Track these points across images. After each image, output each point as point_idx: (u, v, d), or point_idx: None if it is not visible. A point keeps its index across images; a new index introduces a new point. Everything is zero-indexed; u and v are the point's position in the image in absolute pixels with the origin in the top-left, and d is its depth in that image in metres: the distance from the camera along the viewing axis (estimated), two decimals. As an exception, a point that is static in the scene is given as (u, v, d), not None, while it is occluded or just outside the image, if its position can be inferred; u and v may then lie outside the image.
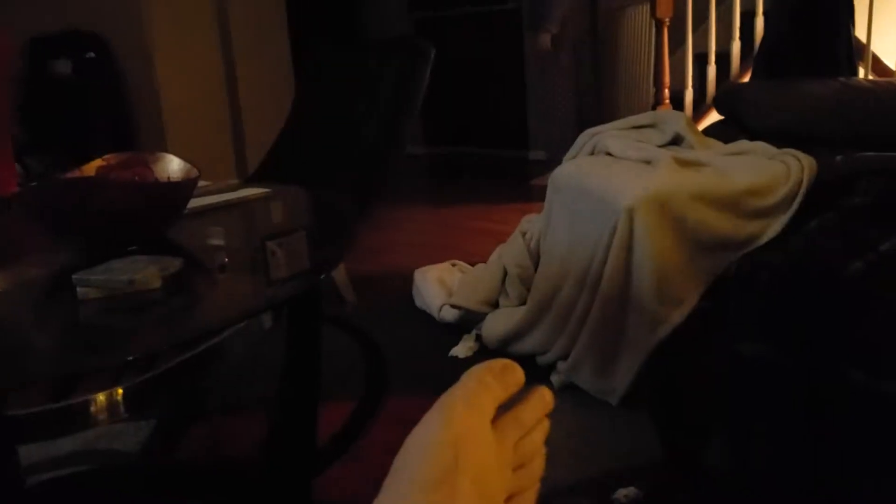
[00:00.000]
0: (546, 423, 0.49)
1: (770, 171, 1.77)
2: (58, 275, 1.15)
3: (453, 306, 2.32)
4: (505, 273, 2.33)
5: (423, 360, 2.13)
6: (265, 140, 3.18)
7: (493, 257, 2.50)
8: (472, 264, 2.69)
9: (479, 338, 2.19)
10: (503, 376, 0.46)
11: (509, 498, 0.45)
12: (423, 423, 0.43)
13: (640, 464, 1.49)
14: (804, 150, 1.82)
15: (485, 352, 2.09)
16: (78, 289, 0.96)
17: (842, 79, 2.45)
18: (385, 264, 3.13)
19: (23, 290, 1.11)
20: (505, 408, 0.45)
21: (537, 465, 0.48)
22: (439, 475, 0.39)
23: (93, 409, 0.94)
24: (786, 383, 1.17)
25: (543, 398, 0.48)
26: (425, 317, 2.43)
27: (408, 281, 2.66)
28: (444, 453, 0.40)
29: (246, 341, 1.16)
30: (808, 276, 1.21)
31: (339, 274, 2.65)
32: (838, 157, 1.75)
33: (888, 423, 1.07)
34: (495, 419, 0.44)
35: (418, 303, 2.53)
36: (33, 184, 1.12)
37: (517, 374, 0.47)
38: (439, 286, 2.50)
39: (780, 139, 1.95)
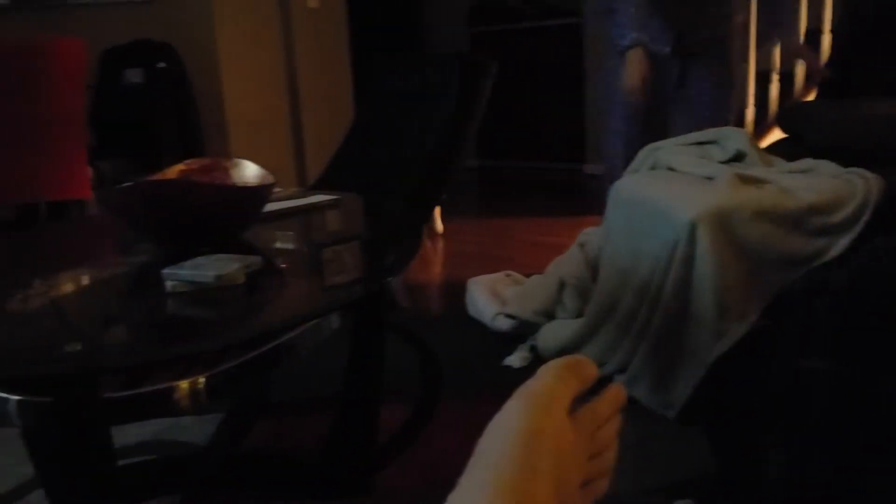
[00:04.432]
0: (619, 418, 0.51)
1: (835, 188, 1.75)
2: (146, 270, 1.22)
3: (508, 316, 2.33)
4: (562, 284, 2.34)
5: (476, 368, 2.15)
6: (324, 150, 3.26)
7: (550, 268, 2.51)
8: (527, 276, 2.71)
9: (533, 348, 2.20)
10: (578, 371, 0.49)
11: (584, 485, 0.48)
12: (503, 411, 0.46)
13: (697, 477, 1.49)
14: (871, 170, 1.79)
15: (539, 362, 2.09)
16: (167, 283, 1.02)
17: (910, 98, 2.40)
18: (439, 274, 3.17)
19: (114, 284, 1.18)
20: (581, 401, 0.48)
21: (610, 456, 0.50)
22: (520, 461, 0.41)
23: (175, 396, 0.99)
24: (848, 399, 1.16)
25: (618, 394, 0.51)
26: (478, 326, 2.45)
27: (461, 290, 2.69)
28: (523, 440, 0.43)
29: (314, 339, 1.21)
30: (873, 294, 1.20)
31: (395, 279, 2.70)
32: (907, 177, 1.72)
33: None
34: (572, 411, 0.47)
35: (472, 312, 2.56)
36: (124, 184, 1.19)
37: (591, 369, 0.50)
38: (493, 296, 2.52)
39: (846, 158, 1.93)
